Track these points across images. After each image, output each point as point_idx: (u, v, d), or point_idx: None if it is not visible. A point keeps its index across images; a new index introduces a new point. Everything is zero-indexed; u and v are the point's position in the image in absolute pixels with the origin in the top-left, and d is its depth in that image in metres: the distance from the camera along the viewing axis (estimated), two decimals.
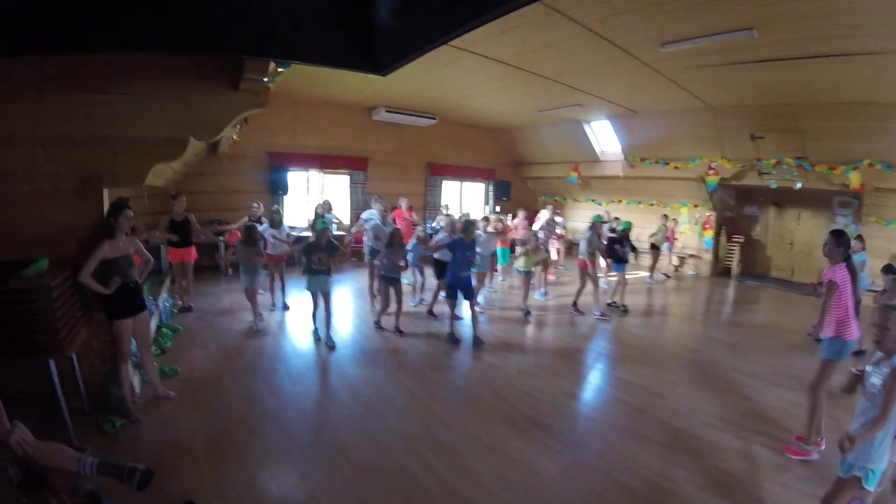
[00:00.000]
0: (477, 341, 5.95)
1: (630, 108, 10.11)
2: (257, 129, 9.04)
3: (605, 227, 8.90)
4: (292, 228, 8.81)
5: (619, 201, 13.52)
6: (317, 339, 5.86)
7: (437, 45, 2.08)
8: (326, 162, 11.17)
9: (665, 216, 11.35)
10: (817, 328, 3.78)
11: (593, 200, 14.14)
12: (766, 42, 5.67)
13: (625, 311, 7.98)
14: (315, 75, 8.06)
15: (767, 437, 3.94)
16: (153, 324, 4.95)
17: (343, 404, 4.31)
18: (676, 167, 11.11)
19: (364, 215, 7.92)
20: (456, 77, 8.27)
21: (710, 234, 11.74)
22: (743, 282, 11.39)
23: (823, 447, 3.64)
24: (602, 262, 8.50)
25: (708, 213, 11.69)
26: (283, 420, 3.95)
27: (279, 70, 4.05)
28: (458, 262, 5.95)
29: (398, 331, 6.27)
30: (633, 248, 8.52)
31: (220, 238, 8.87)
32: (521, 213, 10.35)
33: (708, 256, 11.96)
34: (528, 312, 7.42)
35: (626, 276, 8.23)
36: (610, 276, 9.53)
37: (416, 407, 4.36)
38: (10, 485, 2.16)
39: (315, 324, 5.98)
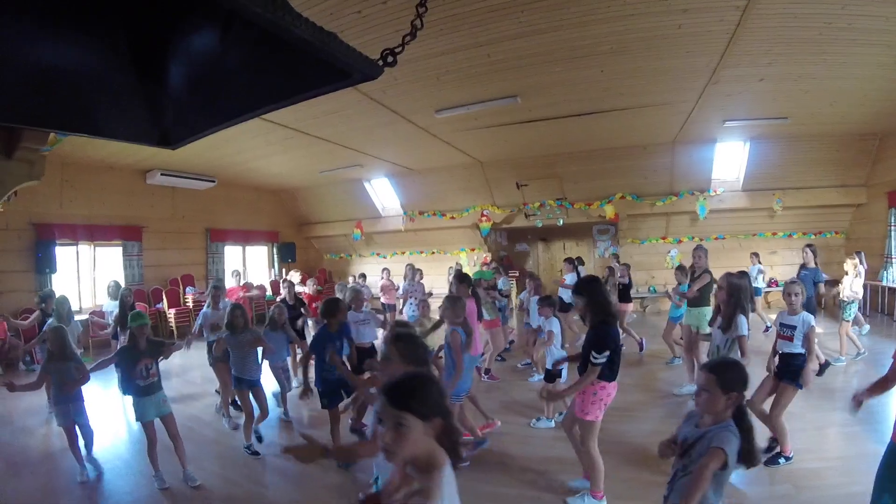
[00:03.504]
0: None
1: (407, 167, 10.62)
2: (20, 195, 6.87)
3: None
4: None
5: (403, 253, 13.81)
6: (164, 487, 3.66)
7: (236, 122, 1.85)
8: (98, 233, 9.29)
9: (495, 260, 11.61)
10: None
11: (378, 254, 14.31)
12: (529, 106, 6.53)
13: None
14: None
15: None
16: None
17: None
18: (452, 217, 12.04)
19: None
20: (237, 140, 7.68)
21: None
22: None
23: None
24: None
25: (485, 255, 12.80)
26: None
27: (59, 138, 3.17)
28: (323, 361, 4.00)
29: (251, 450, 4.28)
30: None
31: None
32: (385, 272, 9.78)
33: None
34: None
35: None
36: None
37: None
38: None
39: (157, 469, 3.74)
